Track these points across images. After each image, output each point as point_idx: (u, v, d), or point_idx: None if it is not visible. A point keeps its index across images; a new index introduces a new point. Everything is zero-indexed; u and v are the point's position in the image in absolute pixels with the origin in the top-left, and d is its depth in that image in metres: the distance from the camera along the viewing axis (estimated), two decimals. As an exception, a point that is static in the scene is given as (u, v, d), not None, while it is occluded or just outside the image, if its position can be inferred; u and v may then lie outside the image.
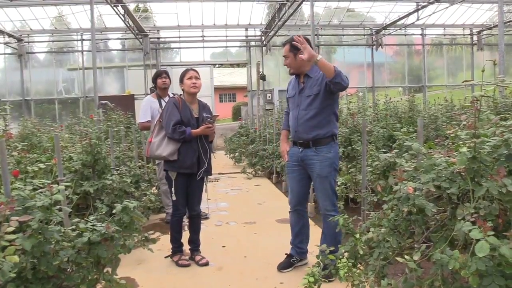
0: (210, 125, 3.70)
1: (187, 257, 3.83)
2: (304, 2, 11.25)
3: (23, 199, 1.93)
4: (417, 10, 13.22)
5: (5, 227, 1.69)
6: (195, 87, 3.78)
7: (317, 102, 3.32)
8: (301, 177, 3.52)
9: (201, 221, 4.03)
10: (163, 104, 4.79)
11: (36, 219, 1.85)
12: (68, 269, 2.06)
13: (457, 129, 2.30)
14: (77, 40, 15.28)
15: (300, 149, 3.44)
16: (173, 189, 3.71)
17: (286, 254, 3.66)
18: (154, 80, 5.11)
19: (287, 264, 3.58)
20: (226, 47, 16.35)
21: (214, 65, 17.52)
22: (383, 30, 15.46)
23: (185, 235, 3.97)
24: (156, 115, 4.69)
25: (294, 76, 3.56)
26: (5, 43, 14.60)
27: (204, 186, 3.96)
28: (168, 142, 3.68)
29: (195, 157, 3.72)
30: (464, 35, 16.74)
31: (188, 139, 3.66)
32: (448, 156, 2.20)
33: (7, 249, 1.64)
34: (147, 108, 4.97)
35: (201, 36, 15.46)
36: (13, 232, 1.71)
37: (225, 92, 33.00)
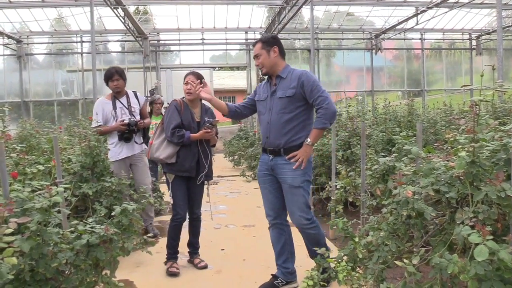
0: (209, 130, 3.64)
1: (177, 266, 3.71)
2: (304, 6, 11.27)
3: (22, 201, 1.93)
4: (416, 15, 13.28)
5: (4, 228, 1.69)
6: (189, 93, 3.66)
7: (291, 105, 3.08)
8: (275, 187, 3.23)
9: (199, 224, 4.00)
10: (118, 105, 4.51)
11: (35, 221, 1.84)
12: (67, 272, 2.06)
13: (456, 133, 2.30)
14: (76, 42, 15.31)
15: (271, 157, 3.18)
16: (170, 191, 3.70)
17: (272, 274, 3.35)
18: (106, 82, 4.54)
19: (270, 286, 3.25)
20: (226, 50, 16.38)
21: (214, 68, 17.57)
22: (383, 34, 15.51)
23: (185, 237, 3.96)
24: (110, 118, 4.45)
25: (265, 79, 3.34)
26: (4, 45, 14.61)
27: (206, 190, 3.91)
28: (167, 145, 3.66)
29: (194, 161, 3.69)
30: (463, 39, 16.82)
31: (186, 143, 3.63)
32: (447, 160, 2.20)
33: (6, 250, 1.63)
34: (98, 111, 4.46)
35: (201, 39, 15.49)
36: (12, 234, 1.71)
37: (224, 95, 32.98)
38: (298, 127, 3.10)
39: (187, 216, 3.89)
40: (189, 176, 3.72)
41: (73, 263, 2.02)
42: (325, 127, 3.05)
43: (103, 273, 2.22)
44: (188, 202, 3.83)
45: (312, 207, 5.39)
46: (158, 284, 3.47)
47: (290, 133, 3.09)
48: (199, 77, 3.71)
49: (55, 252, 1.95)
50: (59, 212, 2.11)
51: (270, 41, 3.19)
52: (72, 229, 2.15)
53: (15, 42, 14.64)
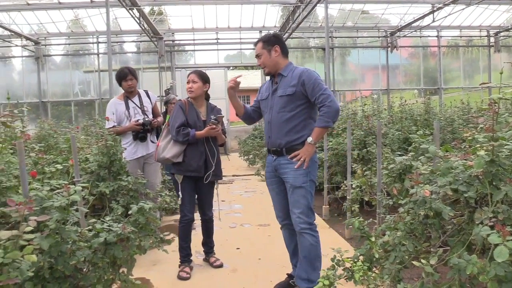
0: (214, 126, 3.60)
1: (188, 270, 3.67)
2: (318, 4, 11.21)
3: (41, 200, 1.96)
4: (432, 12, 13.10)
5: (24, 226, 1.71)
6: (190, 91, 3.70)
7: (292, 104, 3.00)
8: (281, 189, 3.15)
9: (211, 225, 3.97)
10: (131, 105, 4.51)
11: (54, 219, 1.87)
12: (85, 269, 2.08)
13: (474, 132, 2.27)
14: (93, 43, 15.50)
15: (274, 158, 3.12)
16: (179, 192, 3.69)
17: (287, 274, 3.36)
18: (119, 82, 4.53)
19: (285, 285, 3.26)
20: (240, 49, 16.41)
21: (228, 67, 17.58)
22: (398, 32, 15.35)
23: (200, 237, 3.98)
24: (123, 118, 4.47)
25: (269, 78, 3.25)
26: (23, 46, 14.88)
27: (215, 191, 3.87)
28: (173, 145, 3.64)
29: (202, 160, 3.65)
30: (480, 36, 16.55)
31: (192, 141, 3.60)
32: (465, 159, 2.17)
33: (26, 248, 1.66)
34: (110, 113, 4.49)
35: (215, 39, 15.55)
36: (31, 232, 1.73)
37: (239, 94, 32.56)
38: (299, 126, 3.01)
39: (200, 217, 3.89)
40: (197, 177, 3.68)
41: (91, 261, 2.05)
42: (327, 125, 2.96)
43: (120, 271, 2.24)
44: (198, 203, 3.83)
45: (327, 206, 5.39)
46: (174, 282, 3.49)
47: (291, 132, 3.01)
48: (202, 75, 3.73)
49: (74, 250, 1.98)
50: (77, 210, 2.14)
51: (271, 40, 3.11)
52: (90, 227, 2.18)
53: (33, 44, 14.89)
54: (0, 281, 1.53)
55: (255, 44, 3.18)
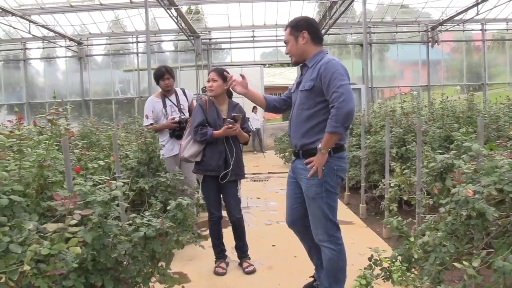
0: (231, 125, 3.50)
1: (224, 266, 3.69)
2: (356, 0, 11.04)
3: (85, 194, 2.03)
4: (476, 4, 12.59)
5: (69, 220, 1.78)
6: (211, 90, 3.63)
7: (311, 100, 2.64)
8: (295, 192, 2.87)
9: (240, 228, 3.80)
10: (168, 103, 4.56)
11: (96, 213, 1.94)
12: (125, 262, 2.15)
13: (521, 129, 2.17)
14: (132, 43, 15.91)
15: (294, 158, 2.86)
16: (200, 191, 3.67)
17: (311, 276, 3.15)
18: (157, 81, 4.60)
19: (310, 286, 3.09)
20: (276, 46, 16.39)
21: (264, 65, 17.62)
22: (440, 26, 14.86)
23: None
24: (161, 117, 4.53)
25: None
26: (67, 47, 15.48)
27: (239, 191, 3.74)
28: (192, 144, 3.63)
29: (222, 160, 3.59)
30: (529, 29, 15.78)
31: (210, 141, 3.56)
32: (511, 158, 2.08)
33: (71, 240, 1.72)
34: (149, 110, 4.57)
35: (252, 36, 15.60)
36: (76, 225, 1.80)
37: (275, 92, 32.95)
38: (318, 127, 2.63)
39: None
40: (216, 175, 3.61)
41: (131, 254, 2.11)
42: (335, 131, 2.49)
43: (159, 264, 2.30)
44: (225, 204, 3.76)
45: (365, 204, 5.31)
46: (211, 277, 3.54)
47: (309, 133, 2.67)
48: (221, 74, 3.59)
49: (115, 243, 2.04)
50: (118, 205, 2.20)
51: (299, 25, 2.71)
52: (130, 222, 2.24)
53: (76, 44, 15.47)
54: (47, 271, 1.60)
55: (285, 29, 2.83)
